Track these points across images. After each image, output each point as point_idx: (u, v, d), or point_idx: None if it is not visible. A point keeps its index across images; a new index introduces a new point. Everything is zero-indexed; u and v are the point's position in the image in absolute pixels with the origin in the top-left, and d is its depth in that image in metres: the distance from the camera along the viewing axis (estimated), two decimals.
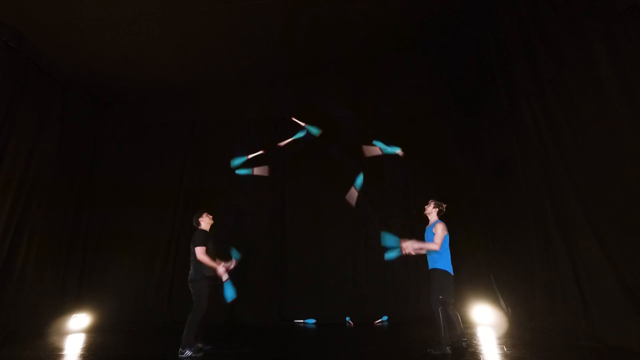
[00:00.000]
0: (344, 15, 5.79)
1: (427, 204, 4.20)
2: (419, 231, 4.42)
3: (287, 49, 6.40)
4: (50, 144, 5.94)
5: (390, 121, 7.07)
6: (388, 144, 4.46)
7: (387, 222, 6.50)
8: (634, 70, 3.38)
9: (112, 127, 7.36)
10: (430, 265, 3.95)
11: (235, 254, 4.38)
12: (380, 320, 5.89)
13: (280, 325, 5.94)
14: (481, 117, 6.16)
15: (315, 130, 4.93)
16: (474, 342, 4.26)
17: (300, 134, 5.00)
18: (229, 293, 4.08)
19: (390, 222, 6.49)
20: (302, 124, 5.01)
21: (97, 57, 5.97)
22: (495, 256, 5.83)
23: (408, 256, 4.02)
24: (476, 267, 6.03)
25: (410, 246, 3.84)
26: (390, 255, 3.95)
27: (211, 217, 4.43)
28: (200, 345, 4.09)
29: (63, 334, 5.48)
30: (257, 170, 4.85)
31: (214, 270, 4.14)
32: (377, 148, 4.47)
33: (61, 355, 4.26)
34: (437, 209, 4.10)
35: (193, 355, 3.89)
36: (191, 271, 4.11)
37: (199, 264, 4.07)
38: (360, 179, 4.61)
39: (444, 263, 3.84)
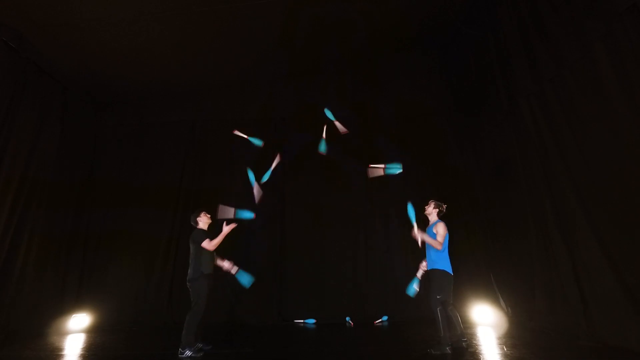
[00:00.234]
0: (344, 15, 5.80)
1: (427, 204, 4.21)
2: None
3: (287, 49, 6.40)
4: (50, 144, 5.93)
5: (390, 121, 7.07)
6: (388, 144, 4.50)
7: (387, 222, 6.50)
8: (634, 70, 3.38)
9: (112, 127, 7.36)
10: (429, 266, 3.96)
11: (248, 214, 4.28)
12: (380, 320, 5.89)
13: (280, 325, 5.94)
14: (481, 117, 6.16)
15: (257, 142, 5.05)
16: (474, 342, 4.26)
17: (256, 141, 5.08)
18: (245, 280, 4.14)
19: (390, 222, 6.49)
20: (245, 136, 5.11)
21: (97, 57, 5.97)
22: (495, 256, 5.83)
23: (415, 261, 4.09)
24: (476, 267, 6.03)
25: (419, 234, 3.90)
26: (411, 290, 4.13)
27: (209, 216, 4.41)
28: (200, 345, 4.08)
29: (63, 334, 5.48)
30: (256, 190, 4.80)
31: (213, 267, 4.14)
32: (381, 169, 4.67)
33: (61, 355, 4.26)
34: (437, 209, 4.11)
35: (193, 355, 3.88)
36: (190, 270, 4.10)
37: (198, 263, 4.06)
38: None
39: (443, 263, 3.84)
